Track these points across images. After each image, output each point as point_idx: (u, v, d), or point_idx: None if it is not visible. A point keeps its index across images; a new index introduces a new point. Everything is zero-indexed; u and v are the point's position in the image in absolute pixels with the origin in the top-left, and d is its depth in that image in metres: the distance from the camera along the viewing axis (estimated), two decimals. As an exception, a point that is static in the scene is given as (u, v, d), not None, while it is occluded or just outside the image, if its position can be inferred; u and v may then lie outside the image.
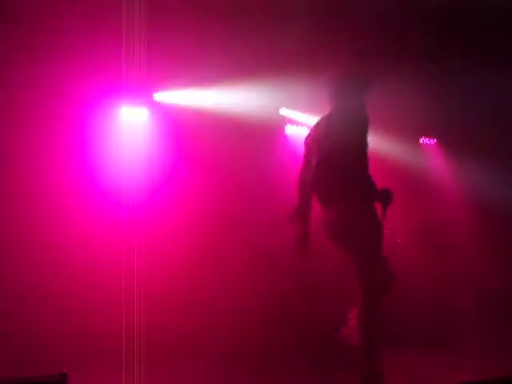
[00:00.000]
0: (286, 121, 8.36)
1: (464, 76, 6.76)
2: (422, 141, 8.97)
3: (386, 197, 3.50)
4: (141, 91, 6.32)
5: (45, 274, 6.38)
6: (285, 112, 8.09)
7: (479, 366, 4.27)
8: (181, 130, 7.67)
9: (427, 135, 8.92)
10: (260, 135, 7.50)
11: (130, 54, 5.48)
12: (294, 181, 4.01)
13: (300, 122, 8.17)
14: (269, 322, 6.16)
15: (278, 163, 7.49)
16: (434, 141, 9.02)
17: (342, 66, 3.89)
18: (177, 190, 7.42)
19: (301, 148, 3.93)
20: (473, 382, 3.82)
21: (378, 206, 3.52)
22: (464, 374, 4.01)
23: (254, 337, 5.43)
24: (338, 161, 3.48)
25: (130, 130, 7.53)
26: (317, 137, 3.66)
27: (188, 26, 5.94)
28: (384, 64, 6.20)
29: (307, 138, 3.84)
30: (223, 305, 6.73)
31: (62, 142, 6.96)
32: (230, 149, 7.56)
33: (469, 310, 6.37)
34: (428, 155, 8.98)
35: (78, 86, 6.65)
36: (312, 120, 7.99)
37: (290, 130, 8.48)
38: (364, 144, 3.51)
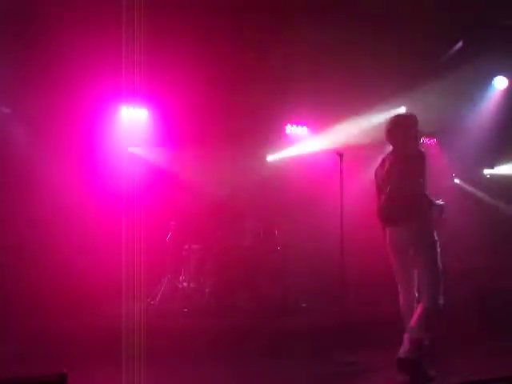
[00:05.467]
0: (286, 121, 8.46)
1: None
2: (422, 140, 8.99)
3: (440, 209, 4.21)
4: (140, 92, 6.34)
5: (44, 273, 6.40)
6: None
7: (478, 366, 4.28)
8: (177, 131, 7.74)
9: (427, 135, 8.93)
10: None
11: (130, 56, 5.51)
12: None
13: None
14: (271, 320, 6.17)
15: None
16: (434, 141, 9.04)
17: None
18: (173, 190, 7.47)
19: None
20: (472, 382, 3.83)
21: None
22: (462, 374, 4.03)
23: (254, 335, 5.43)
24: (405, 188, 4.21)
25: (130, 129, 7.60)
26: (386, 170, 4.37)
27: (184, 31, 5.99)
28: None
29: (376, 172, 4.52)
30: (221, 304, 6.75)
31: (63, 139, 7.04)
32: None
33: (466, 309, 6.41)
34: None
35: (80, 88, 6.71)
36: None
37: (289, 130, 8.56)
38: (423, 172, 4.22)
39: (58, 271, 6.48)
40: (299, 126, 8.54)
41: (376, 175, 4.52)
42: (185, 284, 7.01)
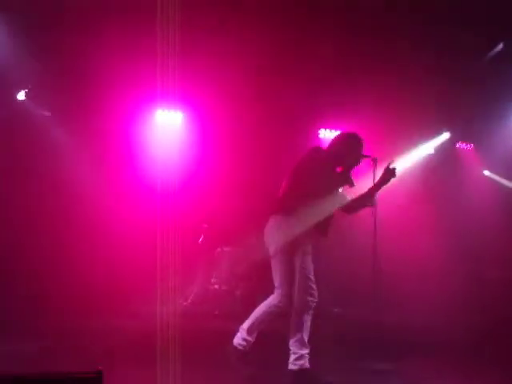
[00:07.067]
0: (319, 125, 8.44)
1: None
2: (458, 145, 8.85)
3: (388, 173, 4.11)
4: (175, 96, 6.44)
5: (79, 272, 6.52)
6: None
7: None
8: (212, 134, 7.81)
9: (464, 140, 8.79)
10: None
11: (165, 59, 5.60)
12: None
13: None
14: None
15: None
16: (470, 146, 8.87)
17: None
18: (206, 193, 7.53)
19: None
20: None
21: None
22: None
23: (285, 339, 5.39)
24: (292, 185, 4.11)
25: (165, 131, 7.70)
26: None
27: (218, 33, 6.05)
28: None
29: None
30: (252, 307, 6.74)
31: (100, 141, 7.22)
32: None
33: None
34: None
35: (116, 92, 6.86)
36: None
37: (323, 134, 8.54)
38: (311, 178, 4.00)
39: (94, 272, 6.60)
40: (332, 130, 8.48)
41: None
42: (216, 286, 7.03)
